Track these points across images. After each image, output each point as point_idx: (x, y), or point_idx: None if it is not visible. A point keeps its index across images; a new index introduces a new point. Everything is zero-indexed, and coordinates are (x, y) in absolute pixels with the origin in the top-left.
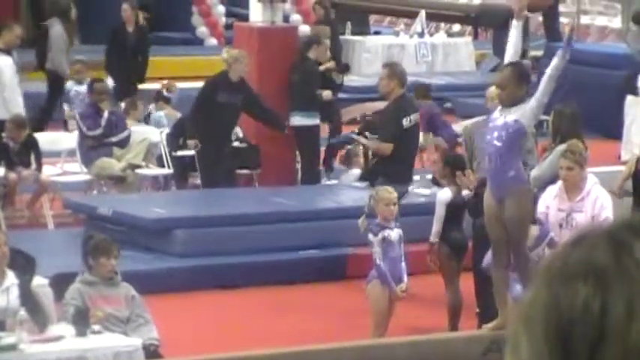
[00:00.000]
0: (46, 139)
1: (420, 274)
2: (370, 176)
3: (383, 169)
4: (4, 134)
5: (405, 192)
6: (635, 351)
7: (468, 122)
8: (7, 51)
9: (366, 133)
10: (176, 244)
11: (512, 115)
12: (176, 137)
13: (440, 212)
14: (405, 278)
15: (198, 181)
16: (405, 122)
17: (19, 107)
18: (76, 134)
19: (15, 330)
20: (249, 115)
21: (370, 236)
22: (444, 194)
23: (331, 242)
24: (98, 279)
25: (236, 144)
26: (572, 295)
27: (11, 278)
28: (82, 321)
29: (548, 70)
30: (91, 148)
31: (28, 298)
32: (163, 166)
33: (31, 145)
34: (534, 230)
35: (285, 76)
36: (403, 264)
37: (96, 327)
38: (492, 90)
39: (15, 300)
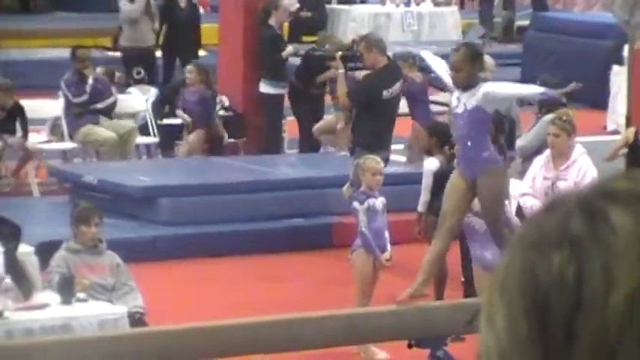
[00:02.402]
0: (32, 106)
1: (403, 244)
2: (351, 147)
3: (362, 139)
4: None
5: (387, 161)
6: (613, 320)
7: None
8: None
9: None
10: (161, 212)
11: (472, 101)
12: (162, 105)
13: (427, 182)
14: (389, 247)
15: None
16: (386, 93)
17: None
18: (61, 102)
19: (0, 297)
20: None
21: (356, 204)
22: (431, 164)
23: (316, 211)
24: (83, 247)
25: (222, 113)
26: (547, 264)
27: None
28: (67, 289)
29: (519, 91)
30: (77, 116)
31: (13, 265)
32: (149, 134)
33: (18, 113)
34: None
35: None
36: (387, 233)
37: (81, 295)
38: (486, 60)
39: (0, 268)
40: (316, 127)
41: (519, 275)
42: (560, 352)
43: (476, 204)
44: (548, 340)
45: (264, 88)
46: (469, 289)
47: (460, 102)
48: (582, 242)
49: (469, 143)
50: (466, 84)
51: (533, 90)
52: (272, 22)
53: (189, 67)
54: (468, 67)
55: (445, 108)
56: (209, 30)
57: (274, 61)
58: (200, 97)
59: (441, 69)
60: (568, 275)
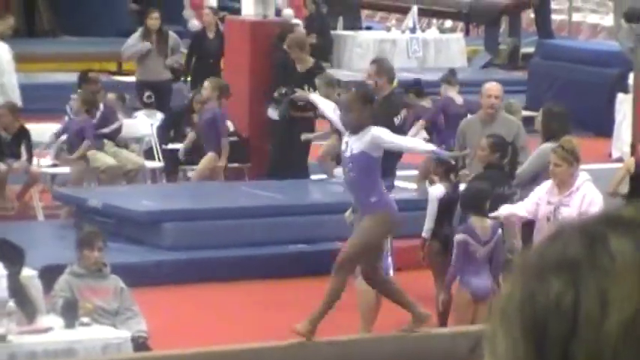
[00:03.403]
0: (37, 130)
1: (407, 270)
2: None
3: None
4: None
5: (392, 187)
6: (607, 345)
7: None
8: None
9: None
10: (166, 237)
11: (359, 145)
12: (167, 130)
13: (432, 208)
14: (392, 273)
15: (190, 174)
16: (396, 120)
17: (16, 93)
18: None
19: (3, 321)
20: None
21: None
22: (437, 190)
23: (320, 237)
24: (86, 271)
25: (232, 139)
26: (545, 289)
27: (0, 269)
28: (70, 313)
29: (407, 144)
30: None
31: (16, 289)
32: (154, 159)
33: (23, 136)
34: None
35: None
36: (390, 259)
37: (85, 319)
38: (488, 86)
39: (3, 291)
40: (322, 152)
41: (519, 301)
42: None
43: (486, 233)
44: (544, 355)
45: (272, 113)
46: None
47: (348, 146)
48: (580, 267)
49: (358, 187)
50: (356, 126)
51: (422, 146)
52: (286, 47)
53: (205, 82)
54: (359, 108)
55: None
56: None
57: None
58: (212, 116)
59: (330, 111)
60: (565, 300)
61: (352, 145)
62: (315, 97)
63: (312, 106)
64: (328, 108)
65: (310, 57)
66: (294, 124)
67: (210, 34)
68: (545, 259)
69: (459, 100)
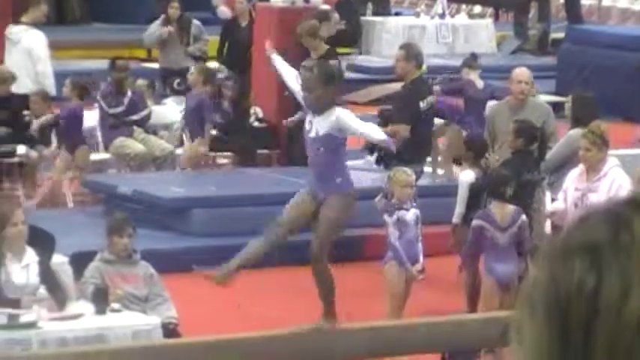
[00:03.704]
0: None
1: (437, 256)
2: (385, 159)
3: (398, 152)
4: (26, 112)
5: (421, 173)
6: (629, 327)
7: (490, 104)
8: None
9: None
10: (195, 223)
11: (322, 127)
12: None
13: (463, 194)
14: (421, 259)
15: (219, 160)
16: (422, 105)
17: (50, 81)
18: (96, 113)
19: (32, 307)
20: None
21: (385, 217)
22: (467, 176)
23: (348, 223)
24: (116, 257)
25: (256, 124)
26: (569, 273)
27: (31, 256)
28: (101, 299)
29: (364, 130)
30: (112, 127)
31: (47, 275)
32: (182, 145)
33: (53, 124)
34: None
35: (305, 57)
36: (420, 245)
37: (115, 305)
38: (517, 72)
39: (34, 277)
40: None
41: (543, 286)
42: (578, 354)
43: (506, 219)
44: (568, 345)
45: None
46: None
47: (312, 126)
48: (603, 250)
49: (322, 168)
50: (318, 106)
51: (375, 135)
52: (322, 33)
53: (191, 68)
54: (321, 88)
55: None
56: None
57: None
58: (198, 103)
59: (292, 80)
60: (588, 283)
61: (317, 125)
62: (278, 61)
63: None
64: (290, 76)
65: (324, 44)
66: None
67: (243, 22)
68: (569, 242)
69: (479, 84)
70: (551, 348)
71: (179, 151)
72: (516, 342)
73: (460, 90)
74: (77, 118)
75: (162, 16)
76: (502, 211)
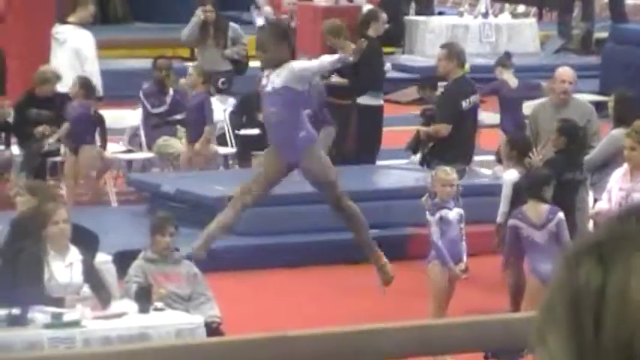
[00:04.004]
0: (111, 116)
1: (482, 255)
2: (428, 159)
3: (441, 152)
4: None
5: (464, 172)
6: (633, 315)
7: (532, 103)
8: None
9: None
10: (238, 222)
11: (279, 80)
12: (239, 115)
13: (507, 193)
14: (465, 258)
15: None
16: (465, 104)
17: (98, 81)
18: (140, 112)
19: (76, 306)
20: None
21: (428, 216)
22: (511, 175)
23: (391, 222)
24: (160, 256)
25: None
26: (579, 272)
27: (75, 254)
28: (144, 298)
29: (321, 62)
30: (155, 127)
31: (91, 274)
32: (226, 145)
33: (97, 123)
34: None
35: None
36: (463, 244)
37: (158, 304)
38: (561, 71)
39: (78, 276)
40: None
41: (560, 287)
42: (592, 349)
43: (541, 217)
44: (583, 341)
45: (363, 99)
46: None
47: (269, 81)
48: (607, 246)
49: (282, 124)
50: (274, 63)
51: (328, 59)
52: (371, 33)
53: (190, 68)
54: (274, 46)
55: None
56: None
57: (374, 72)
58: (199, 102)
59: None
60: (595, 279)
61: (273, 79)
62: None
63: (349, 94)
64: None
65: (350, 43)
66: (331, 110)
67: (293, 24)
68: (581, 244)
69: (513, 83)
70: (569, 346)
71: (223, 150)
72: (538, 344)
73: (496, 90)
74: (84, 117)
75: (199, 15)
76: (536, 209)
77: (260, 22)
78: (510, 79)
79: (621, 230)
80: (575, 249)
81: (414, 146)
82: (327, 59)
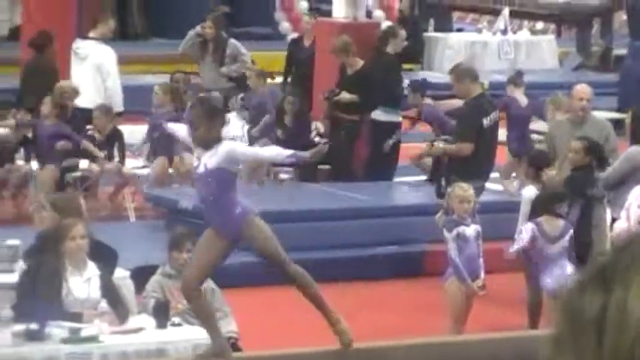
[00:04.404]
0: (129, 131)
1: (499, 272)
2: (444, 174)
3: (459, 168)
4: (89, 126)
5: (482, 189)
6: (629, 333)
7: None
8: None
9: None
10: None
11: (212, 161)
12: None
13: (525, 209)
14: (482, 275)
15: (280, 175)
16: (485, 122)
17: (119, 96)
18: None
19: (93, 321)
20: None
21: (445, 232)
22: (529, 192)
23: (408, 239)
24: (177, 272)
25: (317, 139)
26: (585, 296)
27: (92, 269)
28: (162, 313)
29: (263, 154)
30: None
31: (109, 289)
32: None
33: (116, 138)
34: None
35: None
36: (480, 260)
37: (176, 319)
38: (578, 88)
39: (96, 291)
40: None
41: (567, 311)
42: (594, 355)
43: (556, 230)
44: (587, 351)
45: (379, 115)
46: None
47: (201, 162)
48: (610, 270)
49: (217, 205)
50: (205, 141)
51: (278, 152)
52: (389, 49)
53: (156, 87)
54: (206, 123)
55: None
56: None
57: (391, 88)
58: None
59: (184, 133)
60: (595, 303)
61: (205, 160)
62: (171, 127)
63: (356, 110)
64: (182, 131)
65: (359, 59)
66: (339, 125)
67: (307, 42)
68: (588, 271)
69: (523, 101)
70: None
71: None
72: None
73: (504, 107)
74: (53, 137)
75: (197, 30)
76: (552, 223)
77: (286, 25)
78: (521, 97)
79: (623, 254)
80: (582, 277)
81: (434, 173)
82: (280, 153)
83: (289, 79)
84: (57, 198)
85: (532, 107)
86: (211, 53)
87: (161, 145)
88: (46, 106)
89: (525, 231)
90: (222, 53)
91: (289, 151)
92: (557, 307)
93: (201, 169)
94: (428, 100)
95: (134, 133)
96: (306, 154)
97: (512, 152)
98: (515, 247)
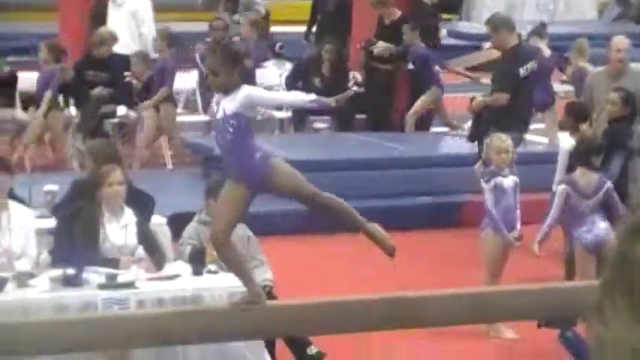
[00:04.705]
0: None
1: (536, 224)
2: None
3: (496, 119)
4: (127, 73)
5: (519, 140)
6: None
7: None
8: None
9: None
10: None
11: (231, 106)
12: (295, 80)
13: (562, 161)
14: (519, 226)
15: (317, 125)
16: (522, 71)
17: (151, 43)
18: (196, 74)
19: (130, 267)
20: None
21: (482, 183)
22: (567, 143)
23: (446, 189)
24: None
25: (354, 89)
26: (637, 246)
27: (129, 216)
28: (198, 260)
29: (284, 98)
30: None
31: (145, 236)
32: (282, 109)
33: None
34: None
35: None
36: (518, 212)
37: (212, 267)
38: (616, 40)
39: (133, 238)
40: (416, 106)
41: (620, 257)
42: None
43: (590, 186)
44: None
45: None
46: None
47: (220, 107)
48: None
49: (235, 151)
50: (225, 87)
51: (299, 97)
52: (426, 0)
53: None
54: (227, 69)
55: (568, 88)
56: None
57: (430, 38)
58: (161, 67)
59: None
60: (629, 251)
61: (224, 106)
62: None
63: (391, 59)
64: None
65: (397, 10)
66: (374, 75)
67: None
68: (636, 219)
69: (546, 52)
70: (629, 300)
71: (279, 114)
72: (598, 319)
73: None
74: (52, 81)
75: None
76: (587, 178)
77: None
78: (545, 48)
79: None
80: (631, 225)
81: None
82: (302, 98)
83: (314, 29)
84: (94, 144)
85: (555, 59)
86: (224, 2)
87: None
88: (42, 52)
89: (558, 197)
90: (236, 1)
91: (311, 96)
92: (609, 253)
93: (219, 115)
94: (547, 50)
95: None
96: (329, 100)
97: (535, 104)
98: (540, 237)
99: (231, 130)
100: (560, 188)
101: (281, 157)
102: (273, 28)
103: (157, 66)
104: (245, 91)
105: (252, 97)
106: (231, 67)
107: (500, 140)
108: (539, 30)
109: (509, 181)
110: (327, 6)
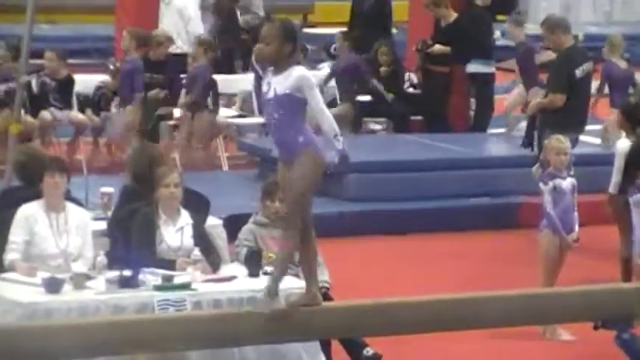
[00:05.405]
0: (223, 80)
1: (593, 225)
2: (538, 127)
3: (553, 120)
4: (184, 75)
5: (576, 141)
6: None
7: None
8: None
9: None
10: (348, 188)
11: (283, 87)
12: (351, 82)
13: (620, 163)
14: (577, 228)
15: (373, 126)
16: (578, 73)
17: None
18: (252, 76)
19: (186, 269)
20: None
21: (541, 185)
22: (623, 144)
23: (502, 190)
24: (270, 221)
25: (410, 90)
26: None
27: (186, 218)
28: (254, 262)
29: (321, 116)
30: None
31: (202, 238)
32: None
33: (210, 87)
34: None
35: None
36: (575, 213)
37: (268, 268)
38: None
39: (189, 239)
40: (509, 103)
41: None
42: None
43: None
44: None
45: (473, 67)
46: (626, 270)
47: (270, 87)
48: None
49: (283, 129)
50: (274, 59)
51: (332, 125)
52: (479, 1)
53: (124, 32)
54: (279, 43)
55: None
56: (399, 7)
57: (482, 40)
58: (131, 68)
59: None
60: None
61: (275, 86)
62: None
63: (447, 61)
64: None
65: (453, 12)
66: (430, 77)
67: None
68: None
69: (622, 64)
70: None
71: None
72: None
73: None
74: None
75: None
76: None
77: None
78: (619, 60)
79: None
80: None
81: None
82: (331, 125)
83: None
84: (143, 146)
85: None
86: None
87: (126, 93)
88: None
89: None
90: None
91: (338, 132)
92: None
93: (270, 94)
94: (622, 60)
95: (229, 82)
96: (346, 156)
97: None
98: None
99: (281, 111)
100: (634, 198)
101: (324, 156)
102: (320, 30)
103: (127, 66)
104: (300, 71)
105: (304, 83)
106: (284, 40)
107: (559, 142)
108: (516, 17)
109: (567, 182)
110: (363, 7)
